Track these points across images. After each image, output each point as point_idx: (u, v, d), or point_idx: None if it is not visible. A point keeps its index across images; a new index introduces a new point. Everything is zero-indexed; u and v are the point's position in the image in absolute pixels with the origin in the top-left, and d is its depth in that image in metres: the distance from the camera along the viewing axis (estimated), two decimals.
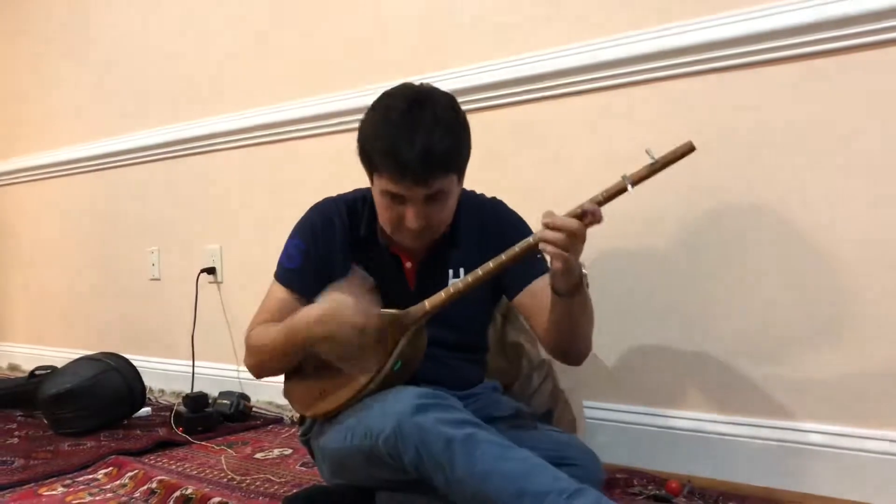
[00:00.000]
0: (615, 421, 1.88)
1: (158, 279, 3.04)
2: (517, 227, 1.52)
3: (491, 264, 1.33)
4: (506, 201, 1.60)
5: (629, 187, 1.23)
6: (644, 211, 1.83)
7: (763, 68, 1.66)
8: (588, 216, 1.23)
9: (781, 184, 1.65)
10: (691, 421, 1.78)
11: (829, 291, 1.61)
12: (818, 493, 1.60)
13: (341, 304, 1.36)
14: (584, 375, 1.91)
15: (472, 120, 1.42)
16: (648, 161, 1.23)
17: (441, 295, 1.38)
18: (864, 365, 1.58)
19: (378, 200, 1.43)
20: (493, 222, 1.53)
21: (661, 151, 1.25)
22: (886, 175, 1.54)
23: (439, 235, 1.47)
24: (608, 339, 1.90)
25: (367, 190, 1.50)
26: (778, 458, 1.66)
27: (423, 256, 1.51)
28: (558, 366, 1.71)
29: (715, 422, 1.75)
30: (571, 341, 1.42)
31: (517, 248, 1.31)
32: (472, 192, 1.59)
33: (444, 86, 1.48)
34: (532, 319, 1.49)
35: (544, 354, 1.70)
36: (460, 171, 1.43)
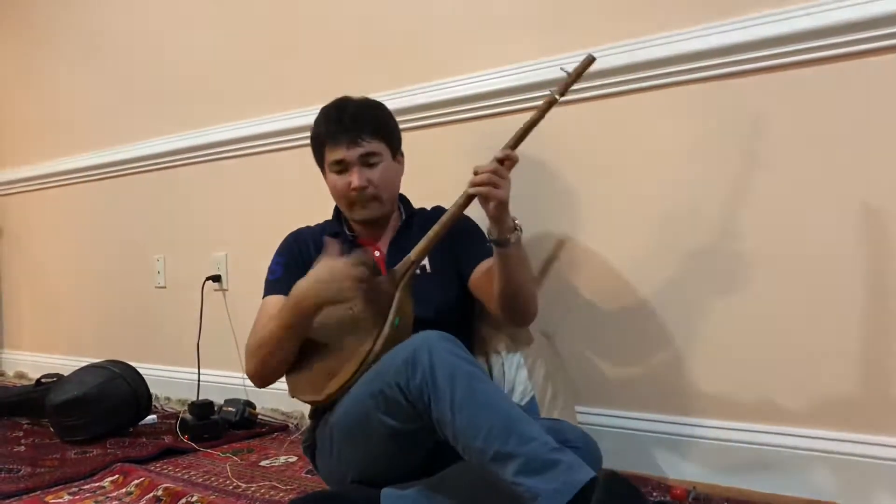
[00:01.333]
0: (619, 427, 1.88)
1: (164, 287, 3.05)
2: (462, 219, 1.69)
3: (450, 209, 1.55)
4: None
5: (557, 97, 1.52)
6: (648, 217, 1.84)
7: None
8: (505, 161, 1.47)
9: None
10: (696, 427, 1.78)
11: (836, 297, 1.61)
12: (824, 500, 1.60)
13: (329, 264, 1.53)
14: (587, 382, 1.92)
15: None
16: (564, 76, 1.51)
17: (421, 244, 1.56)
18: (871, 372, 1.58)
19: (332, 181, 1.72)
20: (440, 213, 1.71)
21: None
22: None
23: (389, 206, 1.74)
24: (611, 345, 1.91)
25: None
26: (783, 464, 1.66)
27: (389, 245, 1.75)
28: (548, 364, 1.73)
29: (719, 428, 1.75)
30: (515, 296, 1.57)
31: (461, 197, 1.52)
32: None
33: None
34: (484, 295, 1.66)
35: (514, 343, 1.74)
36: (390, 142, 1.73)
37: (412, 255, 1.56)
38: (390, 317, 1.48)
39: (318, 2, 2.48)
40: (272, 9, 2.61)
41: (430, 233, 1.57)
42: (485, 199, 1.46)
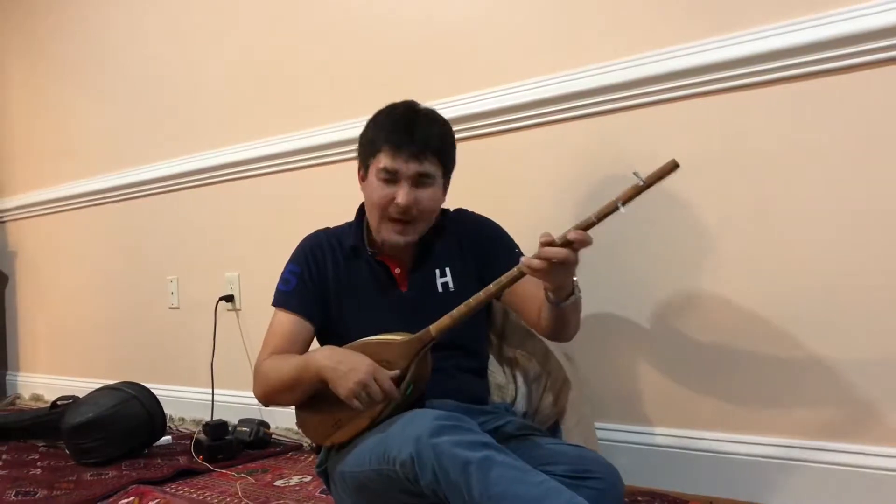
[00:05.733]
0: (636, 443, 1.87)
1: (177, 307, 3.06)
2: (488, 224, 1.70)
3: (492, 287, 1.38)
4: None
5: (620, 208, 1.27)
6: (663, 234, 1.83)
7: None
8: (576, 244, 1.28)
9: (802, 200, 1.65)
10: (712, 442, 1.77)
11: (848, 310, 1.60)
12: None
13: (360, 358, 1.41)
14: (604, 398, 1.91)
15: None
16: (636, 181, 1.26)
17: (445, 320, 1.42)
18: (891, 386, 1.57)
19: (372, 186, 1.56)
20: (468, 221, 1.69)
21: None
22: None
23: (421, 231, 1.58)
24: (627, 361, 1.90)
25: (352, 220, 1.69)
26: (800, 477, 1.64)
27: (410, 262, 1.62)
28: (572, 389, 1.71)
29: (736, 442, 1.74)
30: (563, 331, 1.51)
31: (515, 270, 1.35)
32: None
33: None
34: (519, 311, 1.60)
35: (540, 368, 1.72)
36: (446, 170, 1.60)
37: (434, 331, 1.42)
38: (403, 385, 1.41)
39: (334, 21, 2.50)
40: (282, 28, 2.63)
41: (463, 307, 1.41)
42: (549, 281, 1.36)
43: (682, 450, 1.81)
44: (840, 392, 1.61)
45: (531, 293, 1.52)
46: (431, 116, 1.59)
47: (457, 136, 2.11)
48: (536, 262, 1.29)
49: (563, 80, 1.95)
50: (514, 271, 1.35)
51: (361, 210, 1.67)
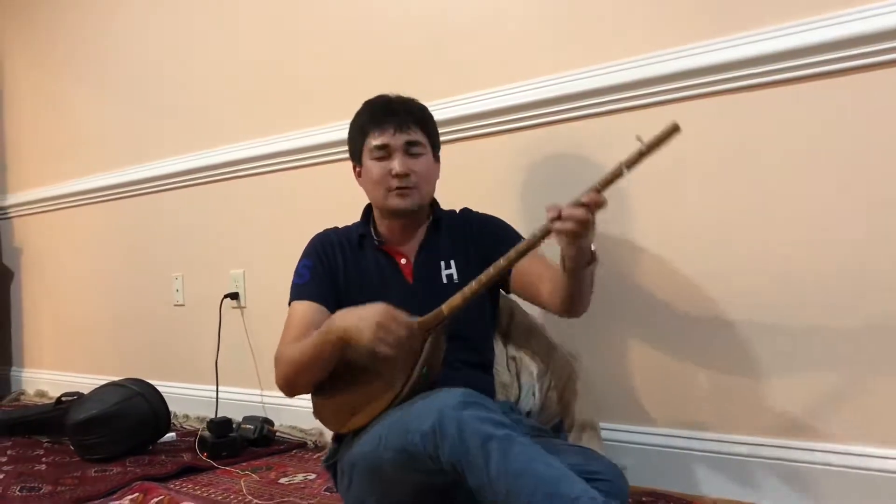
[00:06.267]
0: (640, 444, 1.87)
1: (182, 305, 3.07)
2: (493, 220, 1.76)
3: (502, 261, 1.42)
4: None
5: (624, 171, 1.31)
6: (668, 234, 1.83)
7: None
8: (591, 205, 1.30)
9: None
10: (717, 443, 1.77)
11: (858, 313, 1.60)
12: None
13: (374, 305, 1.43)
14: (607, 398, 1.91)
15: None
16: (638, 145, 1.30)
17: (457, 298, 1.45)
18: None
19: (369, 168, 1.66)
20: (473, 219, 1.75)
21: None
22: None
23: (424, 197, 1.66)
24: (632, 362, 1.90)
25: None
26: (804, 479, 1.64)
27: (416, 252, 1.69)
28: (577, 389, 1.71)
29: (740, 443, 1.74)
30: (578, 303, 1.52)
31: (524, 244, 1.39)
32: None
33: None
34: (532, 290, 1.62)
35: (544, 366, 1.73)
36: (432, 140, 1.69)
37: (445, 309, 1.45)
38: (418, 367, 1.44)
39: (337, 19, 2.50)
40: (287, 26, 2.64)
41: (474, 283, 1.45)
42: (567, 244, 1.36)
43: (685, 450, 1.81)
44: (842, 393, 1.61)
45: (541, 272, 1.57)
46: (406, 97, 1.71)
47: (459, 135, 2.15)
48: (560, 224, 1.30)
49: (566, 80, 1.95)
50: (534, 234, 1.37)
51: (367, 209, 1.75)
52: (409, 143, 1.63)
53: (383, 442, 1.38)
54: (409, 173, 1.62)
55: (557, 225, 1.31)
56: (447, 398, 1.30)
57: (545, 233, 1.35)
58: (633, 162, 1.30)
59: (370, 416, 1.45)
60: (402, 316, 1.41)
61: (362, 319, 1.42)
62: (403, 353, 1.43)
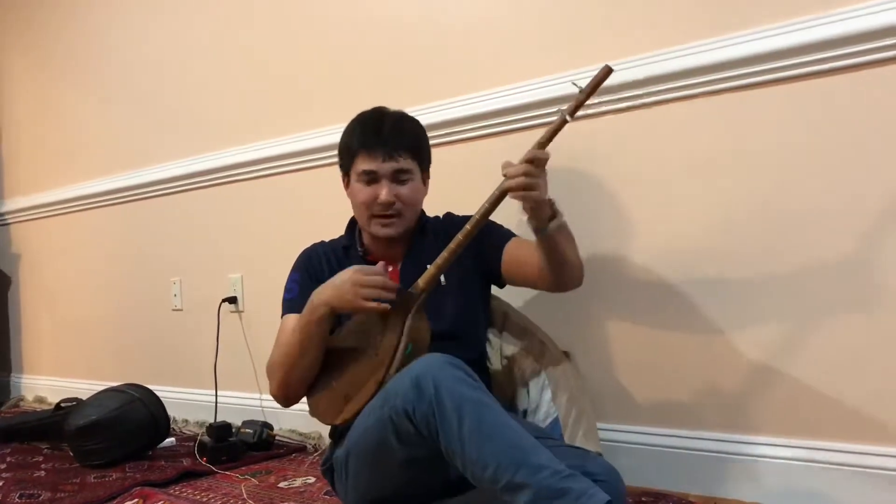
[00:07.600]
0: (639, 443, 1.87)
1: (181, 309, 3.07)
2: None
3: (468, 226, 1.50)
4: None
5: (568, 119, 1.44)
6: (665, 233, 1.83)
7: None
8: (535, 161, 1.42)
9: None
10: (716, 442, 1.77)
11: (859, 313, 1.60)
12: None
13: (350, 270, 1.51)
14: (607, 398, 1.91)
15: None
16: (576, 91, 1.41)
17: (430, 270, 1.52)
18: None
19: (356, 190, 1.68)
20: (457, 221, 1.73)
21: None
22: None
23: (408, 222, 1.69)
24: (630, 361, 1.90)
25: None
26: (804, 477, 1.64)
27: (402, 259, 1.72)
28: (572, 386, 1.71)
29: (740, 442, 1.74)
30: (564, 270, 1.56)
31: (486, 203, 1.49)
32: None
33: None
34: (521, 274, 1.66)
35: (537, 364, 1.73)
36: (422, 164, 1.70)
37: (422, 282, 1.53)
38: (401, 344, 1.47)
39: (337, 21, 2.50)
40: (286, 30, 2.64)
41: (445, 252, 1.52)
42: (521, 199, 1.45)
43: (683, 450, 1.81)
44: (844, 393, 1.61)
45: (527, 255, 1.61)
46: (399, 116, 1.71)
47: (458, 137, 2.15)
48: (512, 181, 1.42)
49: (565, 80, 1.93)
50: (491, 196, 1.47)
51: (352, 221, 1.80)
52: (397, 171, 1.65)
53: (370, 421, 1.41)
54: (395, 201, 1.65)
55: (507, 183, 1.42)
56: (428, 360, 1.34)
57: (502, 193, 1.45)
58: (574, 110, 1.42)
59: (363, 400, 1.47)
60: (370, 267, 1.50)
61: (337, 287, 1.50)
62: (383, 327, 1.49)
